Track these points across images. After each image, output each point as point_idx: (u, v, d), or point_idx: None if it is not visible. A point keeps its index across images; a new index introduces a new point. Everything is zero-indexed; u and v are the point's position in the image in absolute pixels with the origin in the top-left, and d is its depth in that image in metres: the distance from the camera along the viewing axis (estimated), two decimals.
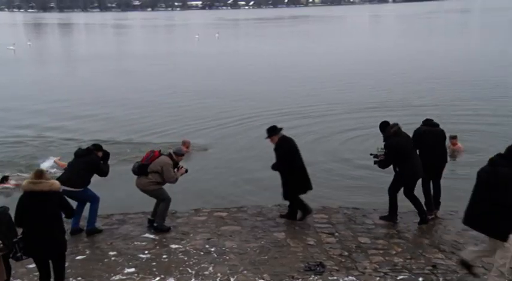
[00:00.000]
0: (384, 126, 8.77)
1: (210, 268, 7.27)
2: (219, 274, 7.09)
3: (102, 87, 26.11)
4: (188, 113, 19.19)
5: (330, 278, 6.92)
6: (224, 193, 10.98)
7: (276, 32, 65.77)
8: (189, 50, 45.56)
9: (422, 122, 9.25)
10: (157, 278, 7.03)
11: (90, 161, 8.50)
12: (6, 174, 11.88)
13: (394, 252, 7.71)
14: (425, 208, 8.84)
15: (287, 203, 9.86)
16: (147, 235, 8.49)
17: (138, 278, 7.05)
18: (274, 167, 8.88)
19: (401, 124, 8.79)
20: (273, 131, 8.84)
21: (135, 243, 8.20)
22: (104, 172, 8.74)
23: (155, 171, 8.52)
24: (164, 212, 8.70)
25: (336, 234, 8.38)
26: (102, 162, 8.70)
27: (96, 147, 8.81)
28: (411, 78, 26.23)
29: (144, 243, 8.18)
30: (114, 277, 7.09)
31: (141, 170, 8.60)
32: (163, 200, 8.67)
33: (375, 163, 8.99)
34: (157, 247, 8.01)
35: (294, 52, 40.89)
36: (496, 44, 41.65)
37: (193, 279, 7.00)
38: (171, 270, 7.25)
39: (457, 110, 18.09)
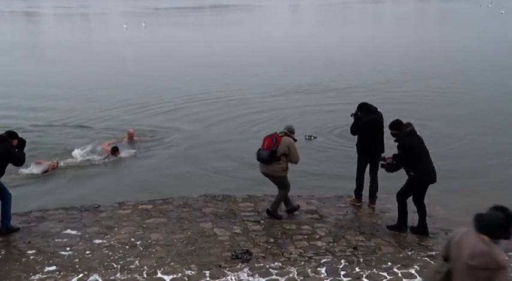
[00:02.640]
0: (399, 124, 8.01)
1: (136, 262, 7.15)
2: (145, 267, 6.99)
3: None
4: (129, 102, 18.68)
5: (256, 265, 7.04)
6: (149, 185, 10.71)
7: (200, 21, 65.03)
8: (122, 39, 43.73)
9: (360, 107, 9.01)
10: (81, 275, 6.81)
11: (3, 150, 7.94)
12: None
13: (317, 236, 7.96)
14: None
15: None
16: (68, 231, 8.18)
17: (59, 277, 6.79)
18: None
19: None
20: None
21: (56, 240, 7.88)
22: (19, 161, 8.22)
23: (283, 153, 8.39)
24: (281, 199, 8.72)
25: (262, 222, 8.50)
26: (17, 150, 8.18)
27: (11, 134, 8.18)
28: (326, 64, 27.03)
29: (65, 240, 7.88)
30: (33, 277, 6.79)
31: (273, 156, 8.38)
32: (285, 187, 8.66)
33: (382, 166, 8.30)
34: (80, 243, 7.75)
35: (219, 41, 40.51)
36: (405, 33, 43.77)
37: (119, 274, 6.85)
38: (95, 266, 7.05)
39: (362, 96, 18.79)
